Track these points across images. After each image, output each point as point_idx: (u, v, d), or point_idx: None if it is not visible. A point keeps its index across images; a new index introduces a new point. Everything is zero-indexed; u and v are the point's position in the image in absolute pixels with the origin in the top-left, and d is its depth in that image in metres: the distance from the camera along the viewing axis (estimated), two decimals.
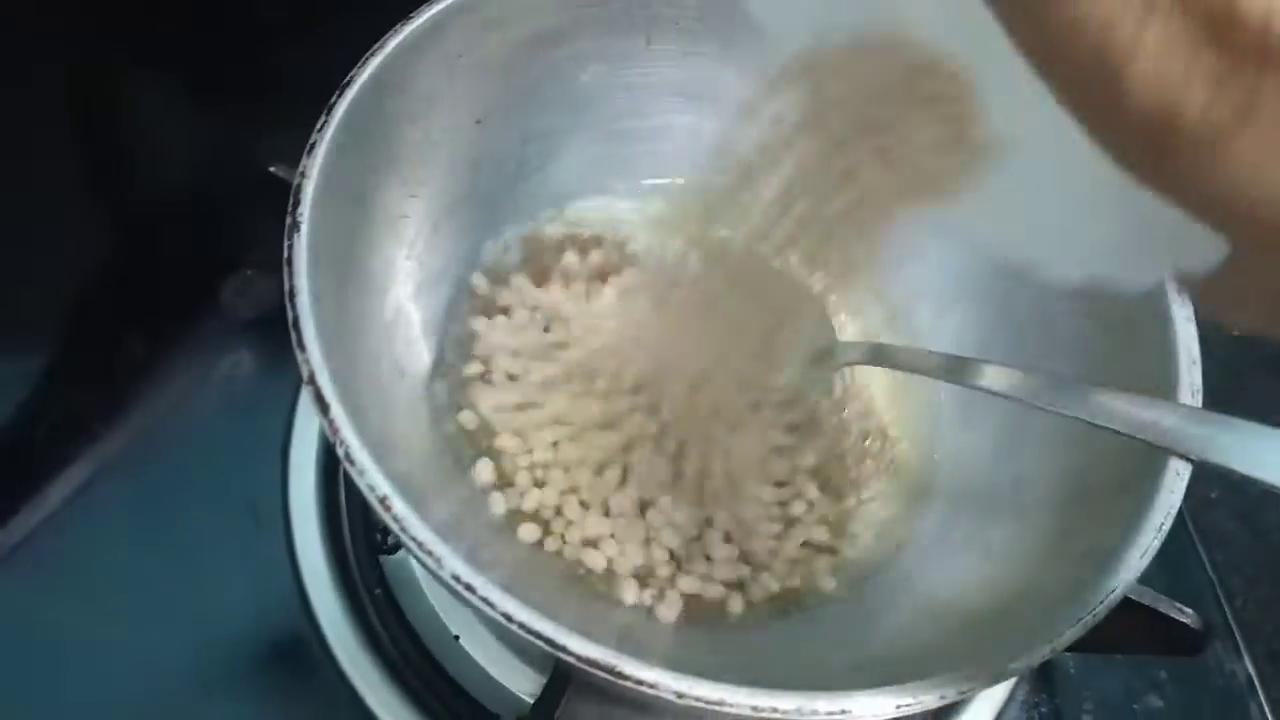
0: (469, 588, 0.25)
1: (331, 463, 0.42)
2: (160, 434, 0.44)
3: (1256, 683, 0.44)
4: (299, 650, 0.39)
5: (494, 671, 0.38)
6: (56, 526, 0.41)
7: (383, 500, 0.26)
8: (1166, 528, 0.29)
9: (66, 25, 0.47)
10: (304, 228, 0.30)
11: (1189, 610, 0.35)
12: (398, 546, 0.41)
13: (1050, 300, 0.37)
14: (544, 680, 0.36)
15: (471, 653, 0.38)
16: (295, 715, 0.38)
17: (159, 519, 0.41)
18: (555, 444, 0.36)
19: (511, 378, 0.37)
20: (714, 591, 0.34)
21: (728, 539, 0.35)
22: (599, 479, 0.35)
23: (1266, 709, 0.43)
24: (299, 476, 0.42)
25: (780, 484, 0.37)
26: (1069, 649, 0.27)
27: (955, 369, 0.35)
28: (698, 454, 0.36)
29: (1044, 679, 0.42)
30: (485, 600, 0.25)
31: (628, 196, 0.43)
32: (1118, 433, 0.30)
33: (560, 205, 0.42)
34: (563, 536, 0.34)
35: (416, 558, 0.26)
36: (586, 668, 0.25)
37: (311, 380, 0.27)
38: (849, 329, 0.42)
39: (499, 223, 0.40)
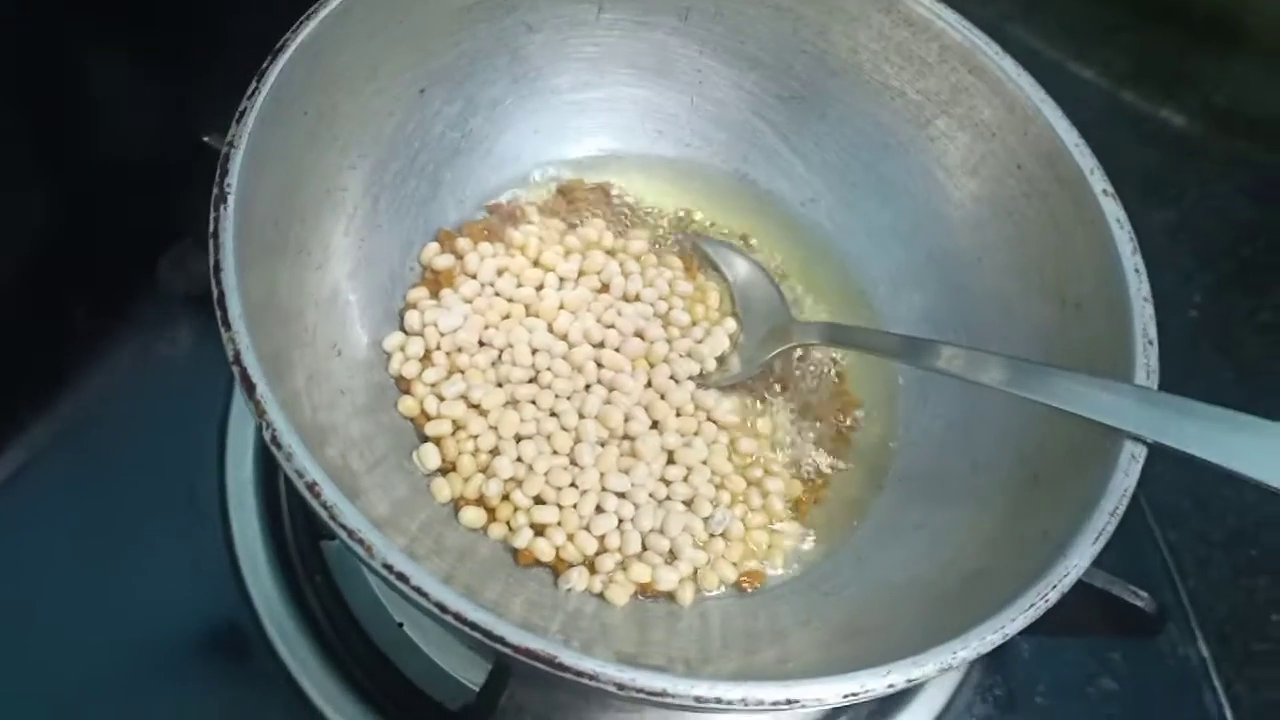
0: (401, 577, 0.24)
1: None
2: (95, 413, 0.42)
3: (1210, 664, 0.44)
4: (235, 638, 0.38)
5: (440, 660, 0.37)
6: None
7: (311, 486, 0.25)
8: (1120, 512, 0.29)
9: None
10: (231, 200, 0.28)
11: (1143, 594, 0.35)
12: None
13: (1006, 281, 0.37)
14: (488, 666, 0.36)
15: (417, 641, 0.37)
16: (231, 706, 0.37)
17: (91, 501, 0.40)
18: (502, 428, 0.34)
19: (455, 358, 0.36)
20: (667, 580, 0.33)
21: (685, 527, 0.34)
22: (548, 464, 0.34)
23: (1220, 690, 0.44)
24: (237, 458, 0.40)
25: (745, 464, 0.36)
26: (1022, 631, 0.27)
27: (912, 350, 0.34)
28: (655, 437, 0.35)
29: (997, 661, 0.42)
30: (419, 590, 0.24)
31: (576, 169, 0.42)
32: (1073, 414, 0.30)
33: (507, 177, 0.41)
34: (509, 523, 0.33)
35: (347, 546, 0.25)
36: (524, 659, 0.24)
37: (237, 360, 0.26)
38: (806, 308, 0.41)
39: (443, 196, 0.39)
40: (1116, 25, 0.65)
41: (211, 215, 0.28)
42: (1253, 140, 0.65)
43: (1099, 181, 0.35)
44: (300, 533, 0.39)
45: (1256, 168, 0.63)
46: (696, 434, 0.36)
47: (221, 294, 0.27)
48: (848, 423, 0.38)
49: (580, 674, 0.24)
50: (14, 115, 0.46)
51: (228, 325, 0.26)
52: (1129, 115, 0.64)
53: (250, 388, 0.26)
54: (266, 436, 0.25)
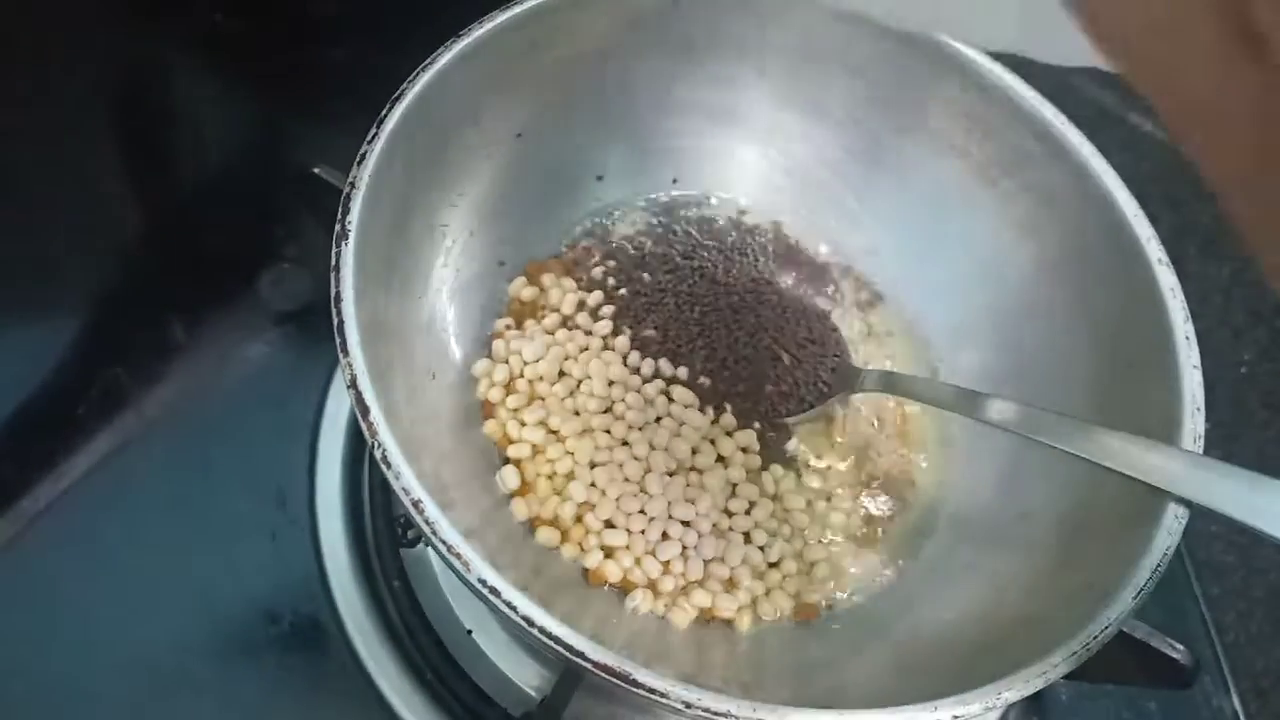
0: (494, 591, 0.27)
1: (358, 455, 0.43)
2: (193, 416, 0.45)
3: (1242, 717, 0.45)
4: (318, 635, 0.40)
5: (504, 666, 0.39)
6: (86, 497, 0.42)
7: (416, 504, 0.27)
8: (1162, 570, 0.30)
9: (116, 17, 0.48)
10: (352, 236, 0.31)
11: (1180, 646, 0.36)
12: (418, 540, 0.42)
13: (1062, 339, 0.38)
14: (551, 676, 0.38)
15: (484, 647, 0.40)
16: (310, 698, 0.40)
17: (187, 499, 0.43)
18: (577, 454, 0.37)
19: (536, 386, 0.38)
20: (727, 607, 0.35)
21: (744, 558, 0.36)
22: (619, 491, 0.36)
23: None
24: (326, 467, 0.43)
25: (807, 500, 0.38)
26: (1062, 677, 0.29)
27: (966, 402, 0.36)
28: (720, 470, 0.38)
29: (1036, 705, 0.43)
30: (509, 604, 0.27)
31: (660, 212, 0.44)
32: (1120, 473, 0.32)
33: (591, 211, 0.43)
34: (580, 545, 0.35)
35: (445, 560, 0.28)
36: (601, 674, 0.26)
37: (354, 384, 0.29)
38: (867, 354, 0.43)
39: (532, 231, 0.41)
40: None
41: (334, 250, 0.31)
42: None
43: (1155, 250, 0.36)
44: (382, 539, 0.41)
45: None
46: (762, 469, 0.38)
47: (341, 322, 0.29)
48: (907, 463, 0.40)
49: (653, 691, 0.26)
50: (133, 137, 0.49)
51: (346, 351, 0.29)
52: (1189, 169, 0.65)
53: (365, 410, 0.28)
54: (377, 454, 0.28)
